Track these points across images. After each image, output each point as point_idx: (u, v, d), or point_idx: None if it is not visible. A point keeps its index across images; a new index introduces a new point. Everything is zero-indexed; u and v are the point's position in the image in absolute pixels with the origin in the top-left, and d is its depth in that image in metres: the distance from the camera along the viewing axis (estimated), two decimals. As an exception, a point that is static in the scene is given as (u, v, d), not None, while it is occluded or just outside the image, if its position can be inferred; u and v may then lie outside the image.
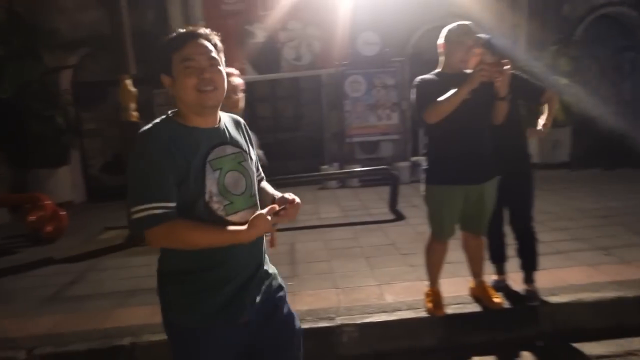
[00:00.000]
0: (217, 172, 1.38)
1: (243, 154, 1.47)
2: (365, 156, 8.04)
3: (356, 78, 7.89)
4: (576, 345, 2.69)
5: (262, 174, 1.70)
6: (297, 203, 1.44)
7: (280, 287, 1.60)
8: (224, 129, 1.46)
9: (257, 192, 1.53)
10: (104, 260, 4.50)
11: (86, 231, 5.63)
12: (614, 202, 5.27)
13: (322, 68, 7.98)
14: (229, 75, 2.34)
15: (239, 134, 1.53)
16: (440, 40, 2.71)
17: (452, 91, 2.49)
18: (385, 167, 6.51)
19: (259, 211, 1.38)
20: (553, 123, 7.83)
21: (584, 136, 7.85)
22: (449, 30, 2.67)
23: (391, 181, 5.72)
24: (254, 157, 1.56)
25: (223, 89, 1.41)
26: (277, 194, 1.56)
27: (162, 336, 2.77)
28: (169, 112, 1.42)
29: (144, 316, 3.08)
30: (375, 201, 6.27)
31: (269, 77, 8.09)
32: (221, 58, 1.43)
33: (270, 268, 1.60)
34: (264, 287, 1.51)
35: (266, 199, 1.58)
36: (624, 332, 2.76)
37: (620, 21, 8.40)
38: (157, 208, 1.29)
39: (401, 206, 5.56)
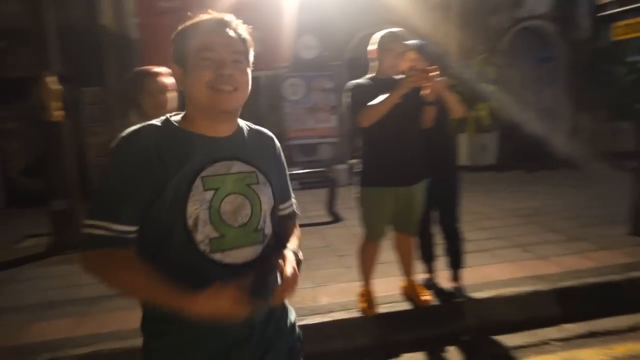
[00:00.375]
0: (210, 193, 1.07)
1: (257, 175, 1.16)
2: (304, 159, 8.09)
3: (295, 81, 7.93)
4: (497, 337, 2.86)
5: (293, 209, 1.36)
6: (287, 288, 1.10)
7: (295, 354, 1.27)
8: (238, 141, 1.17)
9: (268, 227, 1.18)
10: (24, 270, 4.19)
11: (3, 239, 5.21)
12: (534, 202, 5.66)
13: (261, 70, 7.93)
14: (157, 74, 2.28)
15: (262, 151, 1.23)
16: (372, 47, 2.78)
17: (384, 96, 2.56)
18: (323, 170, 6.58)
19: (222, 284, 1.00)
20: (481, 128, 8.25)
21: (509, 140, 8.37)
22: (381, 37, 2.75)
23: (329, 183, 5.79)
24: (276, 182, 1.23)
25: (245, 93, 1.13)
26: (291, 252, 1.20)
27: (85, 349, 2.67)
28: (173, 113, 1.17)
29: (65, 329, 2.90)
30: (314, 203, 6.31)
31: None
32: (249, 56, 1.15)
33: (288, 317, 1.27)
34: (268, 355, 1.17)
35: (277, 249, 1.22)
36: (539, 323, 2.96)
37: (541, 34, 9.05)
38: (98, 227, 1.02)
39: (339, 208, 5.64)
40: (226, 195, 1.10)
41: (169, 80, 2.29)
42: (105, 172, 1.07)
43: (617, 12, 4.30)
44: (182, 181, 1.05)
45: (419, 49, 2.94)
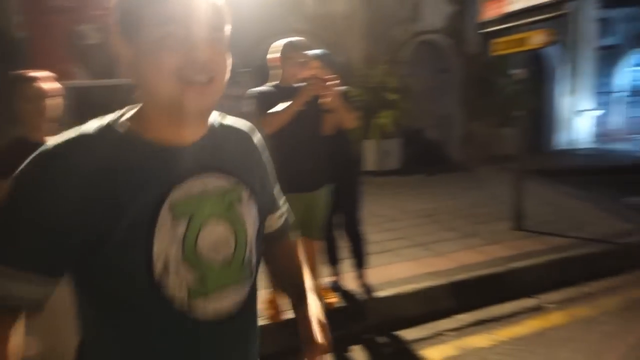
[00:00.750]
0: (183, 224, 0.79)
1: (241, 189, 0.89)
2: (214, 166, 7.92)
3: (202, 87, 7.76)
4: (398, 332, 3.02)
5: (283, 221, 1.08)
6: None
7: None
8: (212, 145, 0.87)
9: (254, 257, 0.91)
10: None
11: None
12: (433, 203, 6.06)
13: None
14: (34, 79, 2.11)
15: (241, 153, 0.94)
16: (273, 55, 2.82)
17: (286, 104, 2.61)
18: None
19: None
20: (385, 134, 8.66)
21: (411, 146, 8.90)
22: (283, 46, 2.79)
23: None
24: (260, 193, 0.94)
25: (223, 85, 0.82)
26: (314, 301, 1.02)
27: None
28: (118, 112, 0.83)
29: None
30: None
31: (105, 83, 7.45)
32: (226, 34, 0.82)
33: None
34: None
35: (289, 293, 1.05)
36: (436, 315, 3.18)
37: (437, 47, 9.76)
38: None
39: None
40: (204, 224, 0.82)
41: (50, 86, 2.13)
42: (10, 202, 0.73)
43: (497, 29, 4.77)
44: (141, 212, 0.75)
45: (320, 58, 3.03)
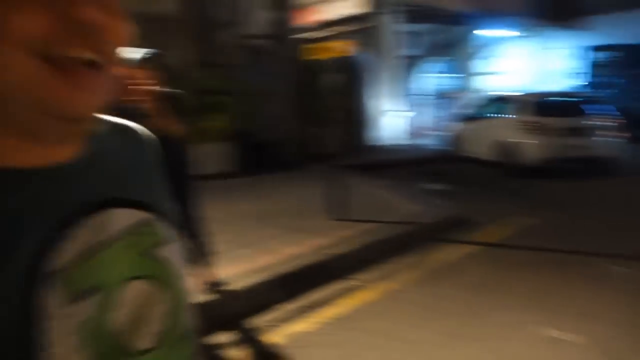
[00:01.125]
0: (86, 306, 0.44)
1: (157, 222, 0.54)
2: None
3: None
4: (227, 331, 3.08)
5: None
6: None
7: None
8: (97, 165, 0.50)
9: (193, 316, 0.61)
10: None
11: None
12: (263, 203, 6.26)
13: None
14: None
15: (145, 167, 0.59)
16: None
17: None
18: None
19: None
20: (218, 138, 8.56)
21: (245, 148, 9.05)
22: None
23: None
24: (175, 217, 0.60)
25: (116, 65, 0.46)
26: None
27: None
28: None
29: None
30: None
31: None
32: None
33: None
34: None
35: None
36: (265, 308, 3.33)
37: (263, 51, 10.09)
38: None
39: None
40: (116, 294, 0.48)
41: None
42: None
43: (310, 37, 5.19)
44: (7, 305, 0.40)
45: (139, 59, 2.90)
